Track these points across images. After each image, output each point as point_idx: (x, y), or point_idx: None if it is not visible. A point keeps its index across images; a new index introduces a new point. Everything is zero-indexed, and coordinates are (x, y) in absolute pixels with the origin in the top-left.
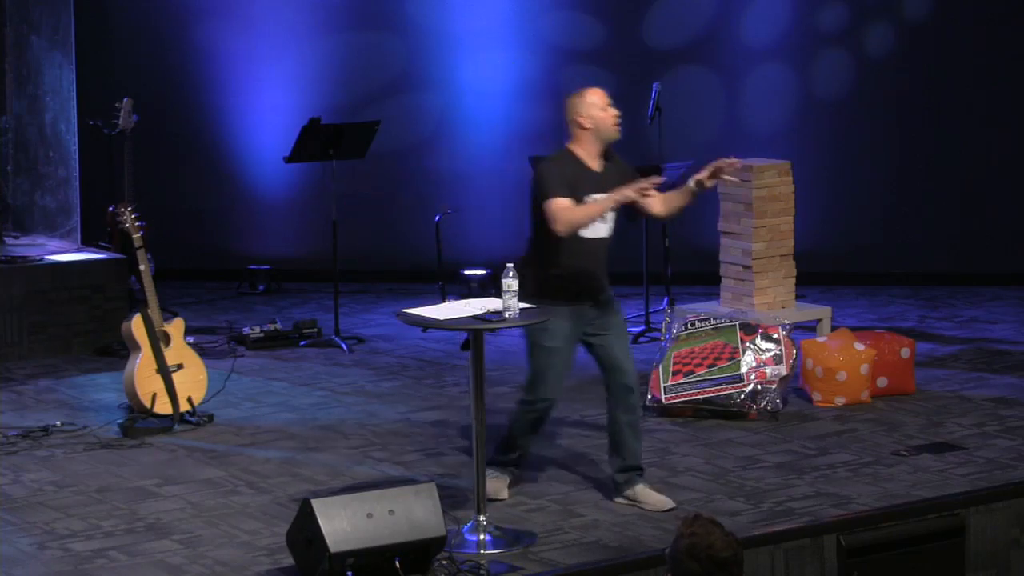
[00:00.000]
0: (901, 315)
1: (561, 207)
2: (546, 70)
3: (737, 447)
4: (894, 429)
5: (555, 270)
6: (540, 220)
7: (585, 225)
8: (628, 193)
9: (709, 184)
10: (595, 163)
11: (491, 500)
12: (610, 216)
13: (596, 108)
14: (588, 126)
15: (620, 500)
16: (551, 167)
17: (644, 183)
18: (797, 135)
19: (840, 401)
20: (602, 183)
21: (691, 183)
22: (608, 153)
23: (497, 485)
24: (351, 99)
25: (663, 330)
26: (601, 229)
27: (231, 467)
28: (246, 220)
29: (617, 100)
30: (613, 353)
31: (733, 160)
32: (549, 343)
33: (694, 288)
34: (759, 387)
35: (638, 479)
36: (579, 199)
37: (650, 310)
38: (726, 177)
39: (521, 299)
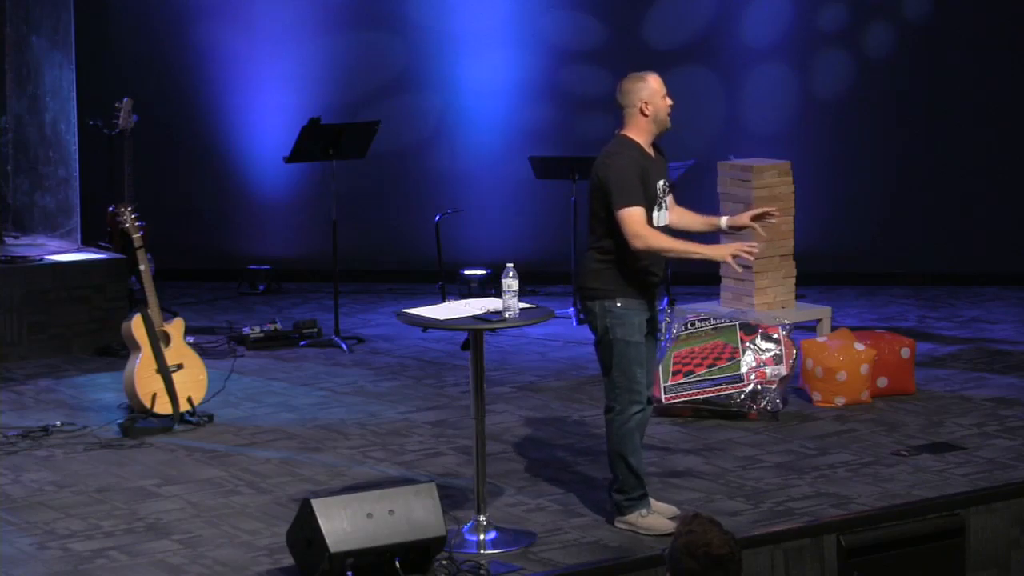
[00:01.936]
0: (901, 315)
1: (641, 222)
2: (546, 70)
3: (737, 447)
4: (894, 429)
5: (638, 265)
6: (615, 220)
7: (661, 254)
8: (726, 255)
9: (745, 227)
10: (650, 150)
11: (665, 535)
12: (667, 202)
13: (658, 96)
14: (649, 113)
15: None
16: (623, 164)
17: (746, 251)
18: (797, 135)
19: (840, 401)
20: (659, 168)
21: (724, 223)
22: (655, 142)
23: (657, 521)
24: (351, 99)
25: (663, 330)
26: (664, 217)
27: (231, 467)
28: (246, 220)
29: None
30: (651, 364)
31: (775, 210)
32: (635, 337)
33: (694, 288)
34: (759, 387)
35: None
36: (650, 188)
37: None
38: (759, 227)
39: (590, 295)
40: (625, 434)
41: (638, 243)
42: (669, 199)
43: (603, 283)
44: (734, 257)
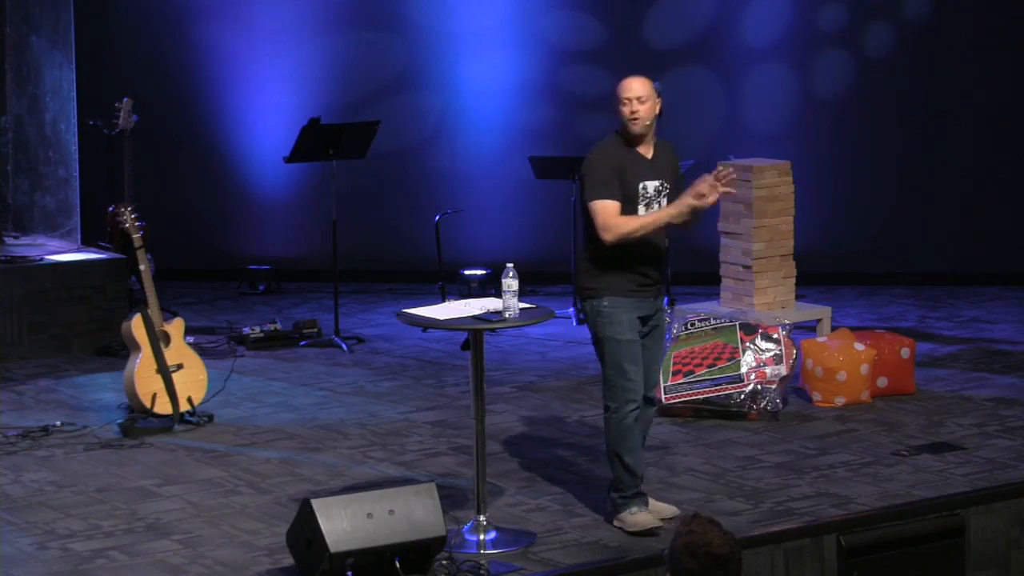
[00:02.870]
0: (901, 315)
1: (609, 214)
2: (546, 70)
3: (737, 447)
4: (894, 429)
5: (616, 263)
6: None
7: (636, 237)
8: (688, 201)
9: (712, 200)
10: (644, 148)
11: (645, 534)
12: (663, 203)
13: (617, 102)
14: (617, 116)
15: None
16: (597, 159)
17: (702, 192)
18: (797, 135)
19: (840, 401)
20: (654, 170)
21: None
22: (659, 142)
23: (643, 518)
24: (351, 99)
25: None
26: None
27: (231, 467)
28: (246, 220)
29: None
30: (651, 364)
31: (721, 171)
32: (624, 335)
33: (694, 288)
34: (759, 387)
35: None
36: (630, 185)
37: None
38: (724, 189)
39: (583, 295)
40: (621, 432)
41: (607, 235)
42: (664, 201)
43: (592, 282)
44: (697, 201)
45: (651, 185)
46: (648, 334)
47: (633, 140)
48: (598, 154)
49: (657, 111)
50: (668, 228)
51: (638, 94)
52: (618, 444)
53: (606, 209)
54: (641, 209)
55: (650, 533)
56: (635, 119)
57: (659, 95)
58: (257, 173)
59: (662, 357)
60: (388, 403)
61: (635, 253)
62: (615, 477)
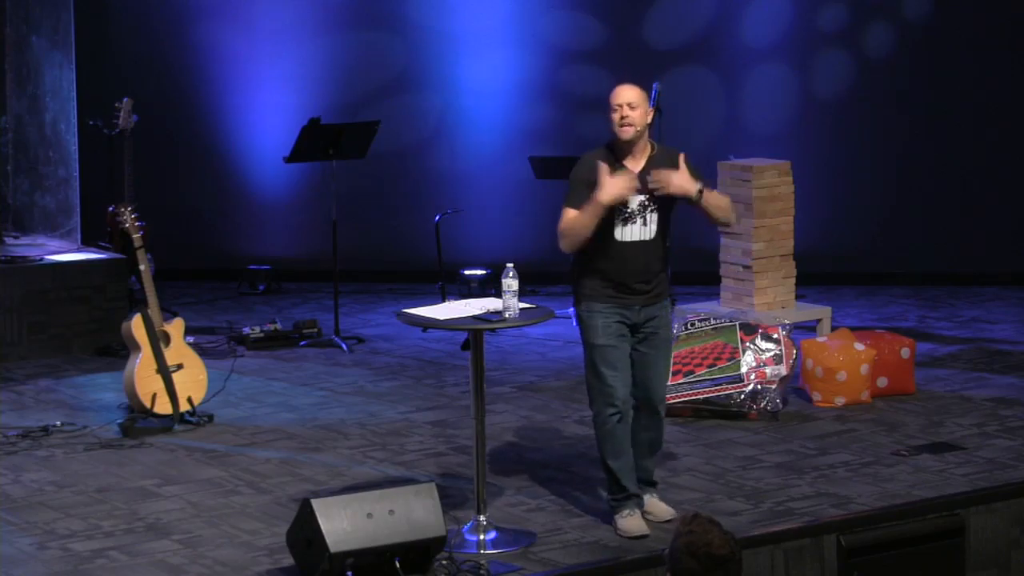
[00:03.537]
0: (901, 315)
1: (563, 221)
2: (546, 70)
3: (737, 447)
4: (894, 429)
5: (592, 272)
6: None
7: (578, 236)
8: (608, 196)
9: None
10: (633, 161)
11: (635, 538)
12: (652, 218)
13: (608, 109)
14: (609, 125)
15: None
16: (576, 169)
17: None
18: (797, 135)
19: (840, 401)
20: (640, 184)
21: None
22: (661, 151)
23: (631, 523)
24: (351, 99)
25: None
26: (636, 232)
27: (231, 467)
28: (246, 220)
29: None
30: (648, 371)
31: (658, 177)
32: (598, 340)
33: (694, 288)
34: (759, 387)
35: (648, 489)
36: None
37: None
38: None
39: (573, 300)
40: (603, 436)
41: (561, 243)
42: (654, 216)
43: (575, 286)
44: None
45: (634, 200)
46: (643, 341)
47: (622, 151)
48: (577, 166)
49: (649, 119)
50: (668, 229)
51: (629, 99)
52: (602, 448)
53: (562, 217)
54: (619, 225)
55: (639, 538)
56: (626, 125)
57: (659, 95)
58: (257, 173)
59: (666, 366)
60: (388, 403)
61: (616, 260)
62: (606, 480)
